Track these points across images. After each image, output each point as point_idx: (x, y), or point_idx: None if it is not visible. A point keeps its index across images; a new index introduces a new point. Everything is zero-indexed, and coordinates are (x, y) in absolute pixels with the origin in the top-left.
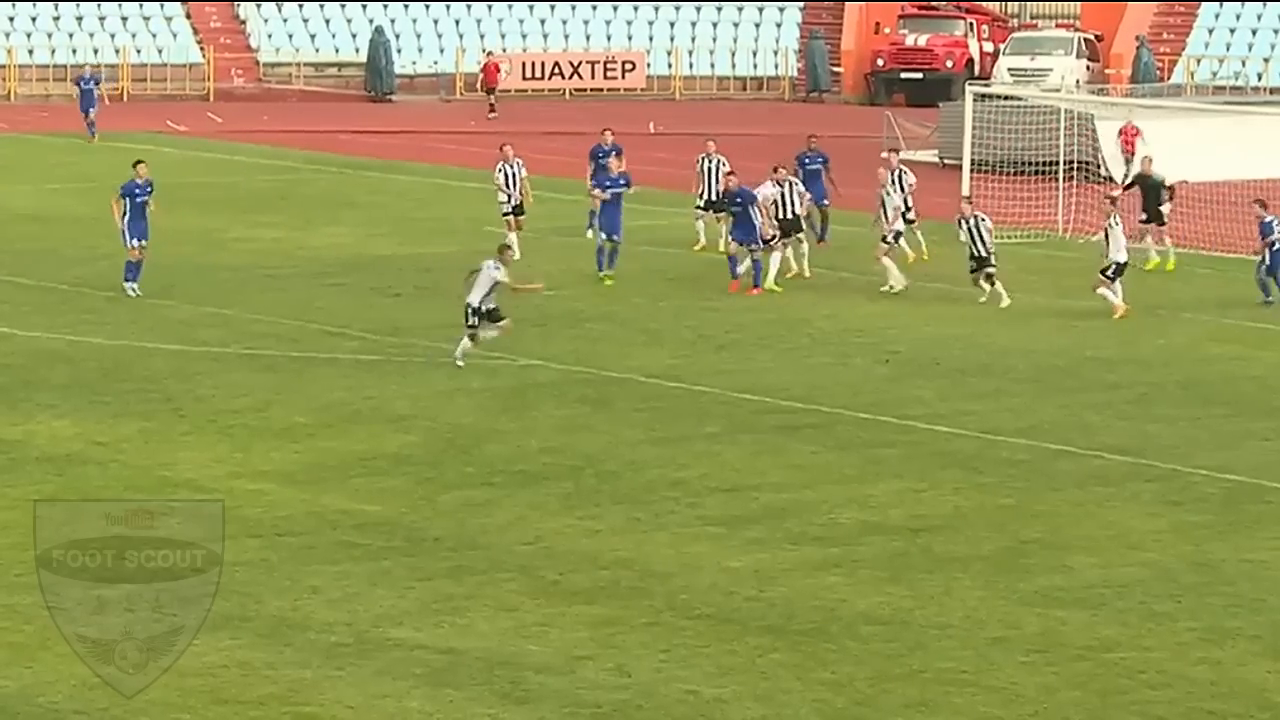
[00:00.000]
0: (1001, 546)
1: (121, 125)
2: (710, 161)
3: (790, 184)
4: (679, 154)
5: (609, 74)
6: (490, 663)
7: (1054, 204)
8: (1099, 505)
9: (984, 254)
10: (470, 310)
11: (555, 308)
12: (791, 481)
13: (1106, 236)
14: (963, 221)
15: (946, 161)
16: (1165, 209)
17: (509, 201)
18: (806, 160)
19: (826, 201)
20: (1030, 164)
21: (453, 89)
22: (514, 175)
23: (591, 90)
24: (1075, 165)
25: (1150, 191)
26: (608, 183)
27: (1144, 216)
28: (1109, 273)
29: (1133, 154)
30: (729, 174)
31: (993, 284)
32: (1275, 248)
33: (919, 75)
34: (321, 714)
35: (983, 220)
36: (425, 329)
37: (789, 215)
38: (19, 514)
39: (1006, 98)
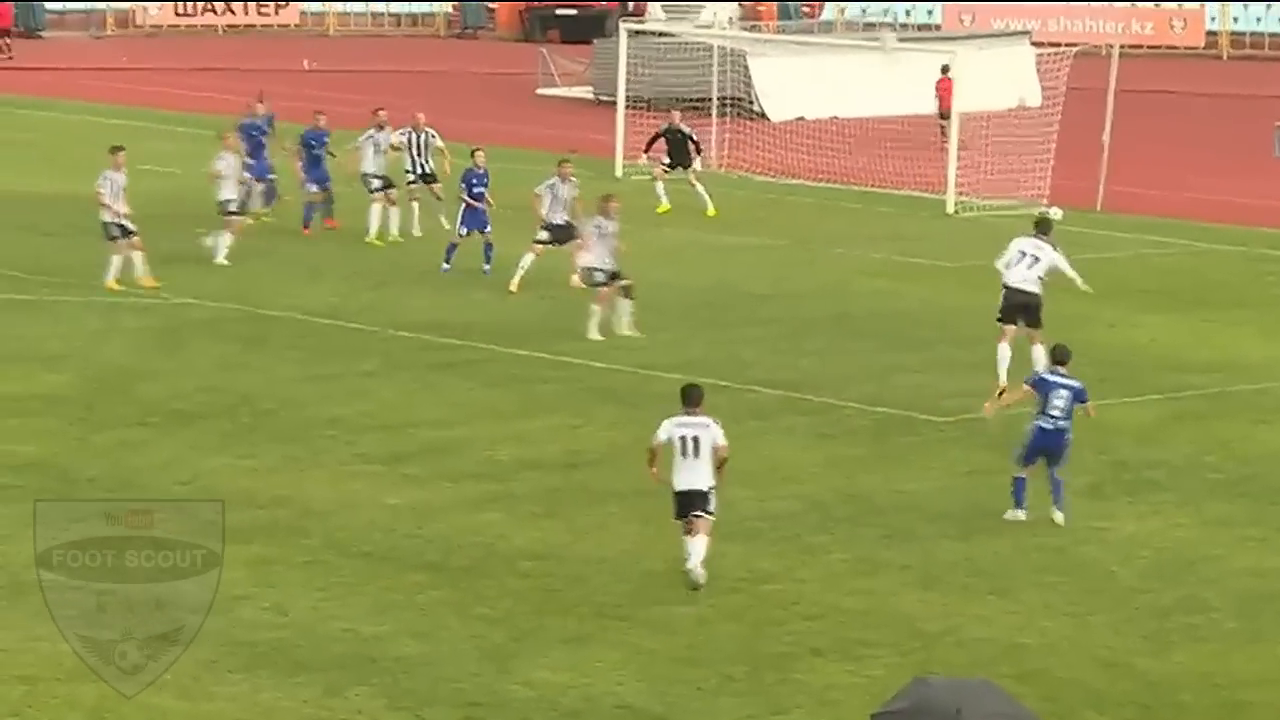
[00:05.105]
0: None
1: None
2: (420, 135)
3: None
4: (333, 91)
5: (261, 10)
6: None
7: (707, 140)
8: (754, 439)
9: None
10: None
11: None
12: (449, 418)
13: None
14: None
15: (601, 98)
16: (696, 162)
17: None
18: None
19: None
20: (684, 100)
21: (103, 25)
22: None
23: (244, 26)
24: (728, 101)
25: (677, 143)
26: None
27: (668, 163)
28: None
29: (949, 109)
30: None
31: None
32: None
33: (572, 12)
34: None
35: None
36: (78, 268)
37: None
38: None
39: (660, 34)
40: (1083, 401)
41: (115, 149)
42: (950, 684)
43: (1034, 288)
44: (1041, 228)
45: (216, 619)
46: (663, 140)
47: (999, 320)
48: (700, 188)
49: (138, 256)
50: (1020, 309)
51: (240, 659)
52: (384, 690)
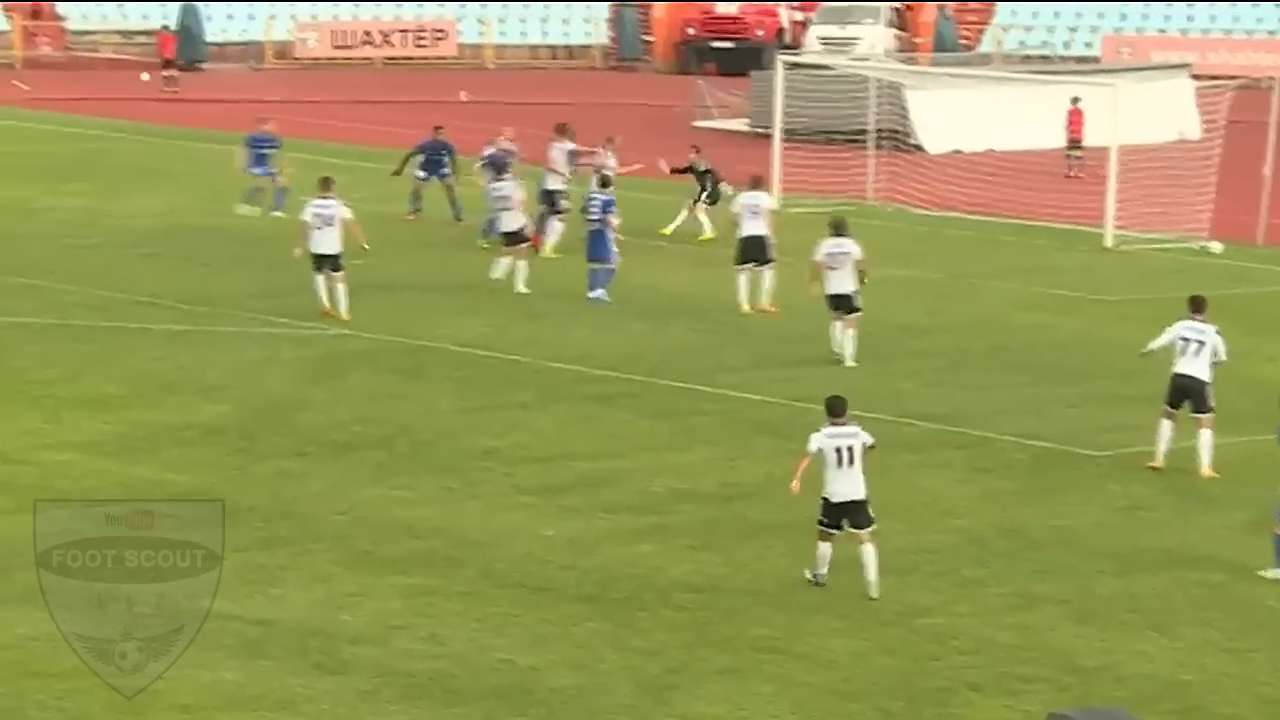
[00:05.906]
0: (813, 514)
1: None
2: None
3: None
4: (491, 123)
5: (419, 43)
6: (303, 633)
7: (864, 172)
8: (910, 472)
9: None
10: None
11: (368, 277)
12: (605, 450)
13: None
14: None
15: (757, 130)
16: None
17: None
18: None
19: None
20: (840, 132)
21: (262, 57)
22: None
23: (403, 59)
24: (884, 134)
25: (701, 178)
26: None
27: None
28: None
29: (1078, 139)
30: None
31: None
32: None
33: (730, 44)
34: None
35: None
36: (236, 298)
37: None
38: None
39: (817, 66)
40: None
41: (325, 180)
42: (1091, 716)
43: (1202, 374)
44: (1195, 306)
45: (373, 649)
46: (692, 175)
47: (1166, 404)
48: (701, 217)
49: (341, 289)
50: (1184, 394)
51: (397, 689)
52: None
